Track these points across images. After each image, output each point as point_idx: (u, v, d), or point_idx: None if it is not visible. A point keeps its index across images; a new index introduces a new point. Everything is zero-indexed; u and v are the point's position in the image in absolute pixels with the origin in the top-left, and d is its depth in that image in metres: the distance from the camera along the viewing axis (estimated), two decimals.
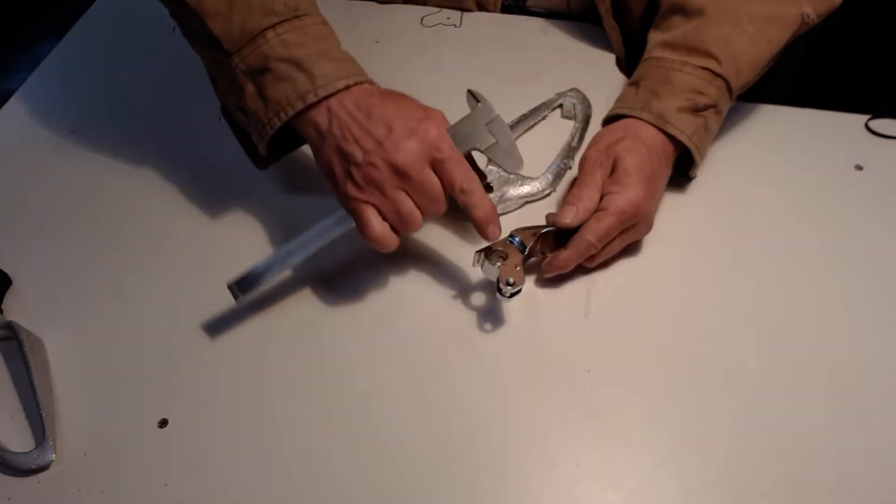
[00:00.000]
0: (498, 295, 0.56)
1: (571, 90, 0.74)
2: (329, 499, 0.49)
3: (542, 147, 0.70)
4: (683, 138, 0.60)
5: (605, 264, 0.61)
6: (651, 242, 0.62)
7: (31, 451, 0.51)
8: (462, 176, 0.53)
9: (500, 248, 0.56)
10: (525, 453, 0.51)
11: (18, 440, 0.53)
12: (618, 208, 0.57)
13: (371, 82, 0.56)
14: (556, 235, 0.59)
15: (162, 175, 0.70)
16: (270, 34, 0.54)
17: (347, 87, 0.54)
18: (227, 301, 0.59)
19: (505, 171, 0.66)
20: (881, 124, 0.70)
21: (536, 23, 0.83)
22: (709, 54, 0.62)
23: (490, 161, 0.67)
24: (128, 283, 0.62)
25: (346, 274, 0.61)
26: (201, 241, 0.64)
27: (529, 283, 0.60)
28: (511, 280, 0.55)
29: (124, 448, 0.52)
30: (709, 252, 0.62)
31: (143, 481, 0.50)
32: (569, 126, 0.72)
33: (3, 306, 0.60)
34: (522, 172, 0.67)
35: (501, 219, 0.64)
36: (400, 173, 0.52)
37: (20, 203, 0.68)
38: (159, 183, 0.69)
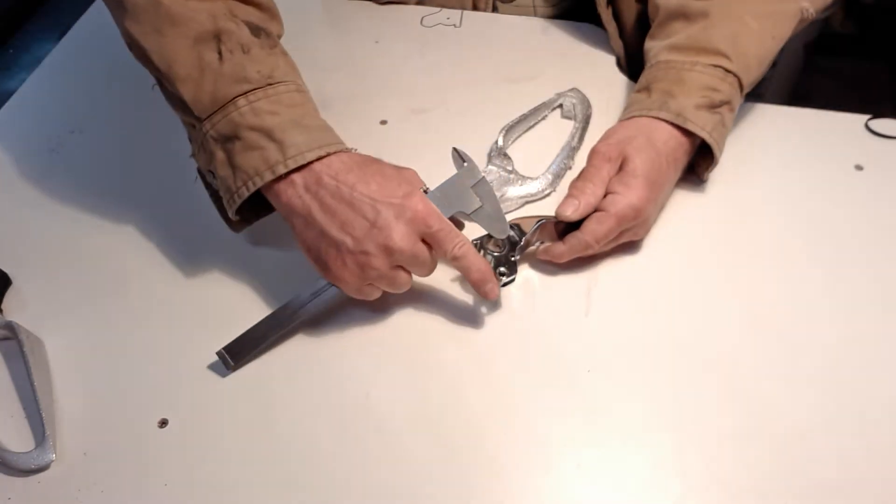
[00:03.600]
0: None
1: (571, 90, 0.74)
2: (329, 498, 0.49)
3: (542, 147, 0.70)
4: (704, 134, 0.60)
5: (605, 264, 0.61)
6: (651, 242, 0.62)
7: (31, 451, 0.51)
8: (452, 244, 0.53)
9: (491, 238, 0.57)
10: (525, 454, 0.51)
11: (18, 440, 0.53)
12: (619, 211, 0.57)
13: (347, 150, 0.55)
14: (559, 224, 0.59)
15: (162, 175, 0.70)
16: (242, 102, 0.53)
17: (320, 158, 0.53)
18: (224, 298, 0.60)
19: (504, 170, 0.67)
20: (881, 124, 0.70)
21: (536, 23, 0.83)
22: (718, 52, 0.62)
23: (490, 162, 0.68)
24: (128, 283, 0.62)
25: None
26: (202, 240, 0.64)
27: (529, 284, 0.60)
28: (503, 270, 0.56)
29: (124, 448, 0.52)
30: (709, 252, 0.62)
31: (143, 481, 0.50)
32: (569, 126, 0.72)
33: (3, 306, 0.60)
34: (523, 172, 0.67)
35: None
36: (394, 254, 0.52)
37: (20, 203, 0.68)
38: (159, 182, 0.69)
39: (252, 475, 0.50)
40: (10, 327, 0.56)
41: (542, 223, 0.59)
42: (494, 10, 0.85)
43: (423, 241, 0.53)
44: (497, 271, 0.56)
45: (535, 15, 0.84)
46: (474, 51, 0.80)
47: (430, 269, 0.55)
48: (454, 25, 0.83)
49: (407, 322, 0.58)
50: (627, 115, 0.64)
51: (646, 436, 0.52)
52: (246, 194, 0.54)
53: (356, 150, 0.56)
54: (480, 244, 0.57)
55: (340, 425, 0.53)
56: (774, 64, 0.66)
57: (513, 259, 0.57)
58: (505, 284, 0.56)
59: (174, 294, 0.61)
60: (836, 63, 1.08)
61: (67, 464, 0.51)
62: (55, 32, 0.87)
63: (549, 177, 0.67)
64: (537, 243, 0.61)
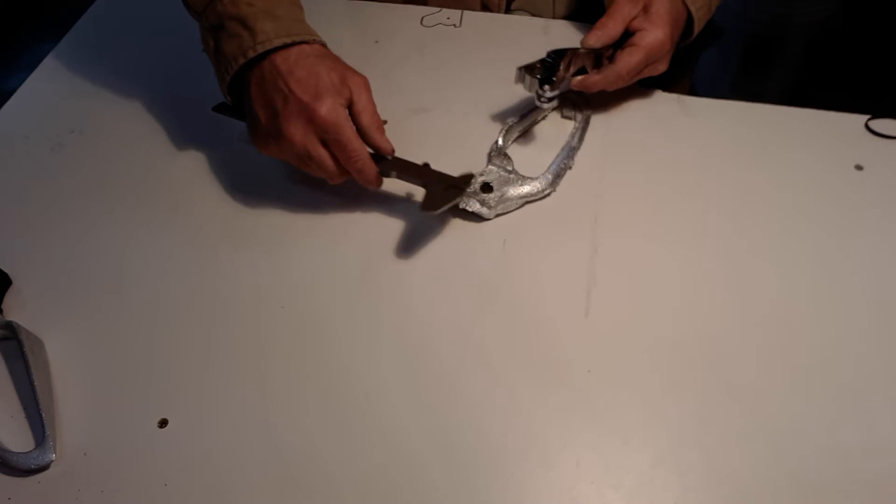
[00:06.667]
0: (537, 101, 0.67)
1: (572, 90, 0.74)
2: (329, 498, 0.49)
3: (542, 147, 0.70)
4: (692, 9, 0.68)
5: (605, 264, 0.61)
6: (651, 242, 0.62)
7: (31, 451, 0.51)
8: (345, 157, 0.59)
9: (537, 65, 0.66)
10: (525, 453, 0.51)
11: (18, 440, 0.53)
12: (647, 44, 0.65)
13: (314, 43, 0.60)
14: (589, 56, 0.67)
15: (161, 175, 0.70)
16: None
17: (286, 46, 0.59)
18: (226, 300, 0.60)
19: (504, 170, 0.67)
20: (881, 124, 0.70)
21: (536, 23, 0.83)
22: None
23: (490, 162, 0.68)
24: (128, 283, 0.62)
25: (348, 273, 0.61)
26: (201, 241, 0.64)
27: (529, 283, 0.60)
28: (547, 87, 0.65)
29: (124, 448, 0.52)
30: (709, 252, 0.62)
31: (143, 481, 0.50)
32: (569, 126, 0.72)
33: (3, 306, 0.60)
34: (522, 172, 0.67)
35: (500, 219, 0.65)
36: (288, 146, 0.59)
37: (20, 203, 0.68)
38: (159, 183, 0.69)
39: (252, 475, 0.51)
40: (10, 327, 0.56)
41: (574, 55, 0.66)
42: (508, 10, 0.85)
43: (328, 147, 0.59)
44: (542, 88, 0.66)
45: (553, 15, 0.84)
46: (474, 51, 0.80)
47: (330, 174, 0.61)
48: (454, 25, 0.83)
49: (406, 322, 0.58)
50: None
51: (645, 435, 0.52)
52: (227, 79, 0.61)
53: (323, 42, 0.62)
54: (525, 71, 0.66)
55: (340, 425, 0.53)
56: (774, 63, 0.66)
57: (553, 80, 0.66)
58: (550, 100, 0.66)
59: (174, 294, 0.61)
60: (836, 63, 1.07)
61: (67, 464, 0.51)
62: (55, 32, 0.87)
63: (549, 177, 0.67)
64: (570, 75, 0.67)
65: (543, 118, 0.73)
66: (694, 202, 0.65)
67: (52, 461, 0.51)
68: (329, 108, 0.57)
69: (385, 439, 0.52)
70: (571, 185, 0.67)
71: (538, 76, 0.66)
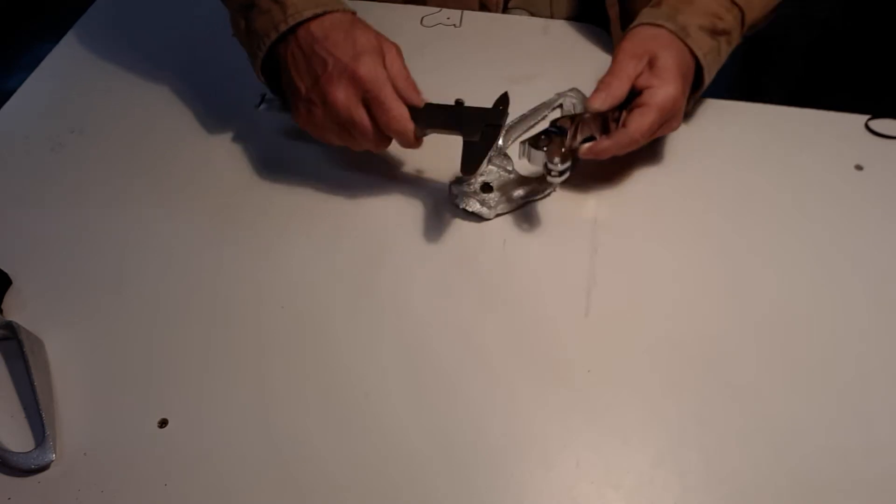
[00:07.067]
0: (548, 177, 0.60)
1: (571, 90, 0.74)
2: (329, 498, 0.49)
3: None
4: (699, 55, 0.62)
5: (605, 264, 0.61)
6: (651, 242, 0.62)
7: (31, 451, 0.51)
8: (385, 117, 0.58)
9: (542, 136, 0.60)
10: (525, 453, 0.51)
11: (18, 440, 0.53)
12: (659, 102, 0.59)
13: (344, 11, 0.60)
14: (596, 120, 0.62)
15: (161, 174, 0.70)
16: None
17: (316, 17, 0.58)
18: (225, 299, 0.60)
19: (504, 170, 0.67)
20: (881, 124, 0.70)
21: (536, 23, 0.83)
22: None
23: (490, 162, 0.68)
24: (128, 283, 0.62)
25: (348, 273, 0.61)
26: (201, 241, 0.64)
27: (528, 284, 0.60)
28: (557, 160, 0.59)
29: (124, 448, 0.52)
30: (709, 252, 0.62)
31: (143, 481, 0.50)
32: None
33: (3, 306, 0.60)
34: (523, 172, 0.67)
35: (500, 219, 0.65)
36: (331, 108, 0.58)
37: (20, 203, 0.68)
38: (159, 182, 0.69)
39: (252, 475, 0.50)
40: (10, 327, 0.56)
41: (580, 121, 0.61)
42: (505, 10, 0.85)
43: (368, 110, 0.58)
44: (553, 161, 0.59)
45: (552, 15, 0.84)
46: (474, 51, 0.80)
47: (372, 140, 0.60)
48: (454, 25, 0.83)
49: (406, 322, 0.58)
50: (636, 24, 0.65)
51: (645, 435, 0.52)
52: (261, 55, 0.61)
53: (355, 12, 0.62)
54: (528, 144, 0.60)
55: (340, 425, 0.53)
56: (774, 63, 0.66)
57: (562, 150, 0.60)
58: (561, 174, 0.60)
59: (174, 294, 0.61)
60: (836, 63, 1.08)
61: (67, 464, 0.51)
62: (55, 32, 0.87)
63: None
64: (578, 143, 0.62)
65: (543, 118, 0.73)
66: (694, 202, 0.65)
67: (52, 461, 0.51)
68: (369, 67, 0.57)
69: (385, 439, 0.52)
70: (571, 185, 0.67)
71: (544, 148, 0.60)
